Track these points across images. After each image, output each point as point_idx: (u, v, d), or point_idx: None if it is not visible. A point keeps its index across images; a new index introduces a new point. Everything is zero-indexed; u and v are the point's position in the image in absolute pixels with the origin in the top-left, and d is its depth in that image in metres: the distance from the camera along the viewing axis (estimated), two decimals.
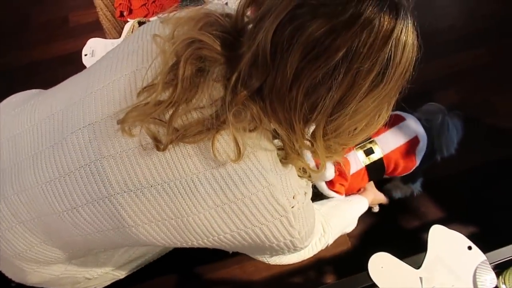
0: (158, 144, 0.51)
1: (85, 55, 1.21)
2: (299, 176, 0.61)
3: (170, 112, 0.51)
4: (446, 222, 0.89)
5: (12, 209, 0.63)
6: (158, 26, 0.60)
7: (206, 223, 0.55)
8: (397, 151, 1.03)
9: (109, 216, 0.57)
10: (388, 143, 1.02)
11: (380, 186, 1.22)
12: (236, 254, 0.66)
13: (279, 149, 0.56)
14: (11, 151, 0.65)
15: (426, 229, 0.76)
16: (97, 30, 1.40)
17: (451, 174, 1.36)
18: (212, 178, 0.52)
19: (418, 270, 0.73)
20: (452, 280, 0.72)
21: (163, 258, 0.98)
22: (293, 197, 0.56)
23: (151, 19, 1.26)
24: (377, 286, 0.73)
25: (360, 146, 1.02)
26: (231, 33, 0.52)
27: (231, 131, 0.49)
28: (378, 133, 1.03)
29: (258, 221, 0.55)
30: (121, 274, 0.90)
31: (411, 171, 1.07)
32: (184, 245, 0.60)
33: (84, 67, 1.16)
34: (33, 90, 0.80)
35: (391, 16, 0.44)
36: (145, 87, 0.52)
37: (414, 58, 0.48)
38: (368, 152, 1.02)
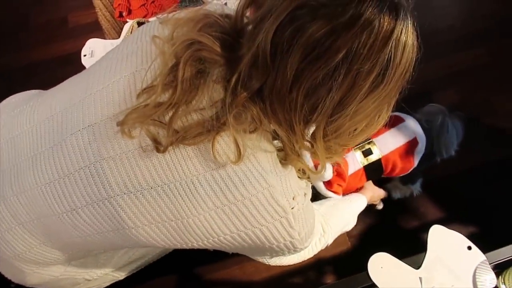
0: (158, 146, 0.51)
1: (84, 55, 1.20)
2: (298, 177, 0.61)
3: (170, 113, 0.50)
4: (445, 222, 0.89)
5: (12, 211, 0.63)
6: (157, 27, 0.60)
7: (206, 224, 0.55)
8: (395, 152, 1.03)
9: (109, 218, 0.57)
10: (386, 144, 1.03)
11: (379, 186, 1.22)
12: (235, 254, 0.66)
13: (278, 150, 0.56)
14: (10, 152, 0.65)
15: (425, 229, 0.76)
16: (96, 31, 1.40)
17: (451, 174, 1.36)
18: (212, 180, 0.52)
19: (418, 270, 0.74)
20: (451, 280, 0.72)
21: (163, 259, 0.98)
22: (293, 198, 0.56)
23: (150, 19, 1.26)
24: (376, 286, 0.73)
25: (358, 147, 1.02)
26: (230, 34, 0.52)
27: (232, 133, 0.49)
28: (377, 134, 1.03)
29: (258, 223, 0.55)
30: (121, 275, 0.90)
31: (409, 171, 1.07)
32: (184, 247, 0.60)
33: (83, 67, 1.16)
34: (33, 91, 0.80)
35: (391, 17, 0.44)
36: (144, 89, 0.52)
37: (414, 59, 0.48)
38: (367, 153, 1.02)
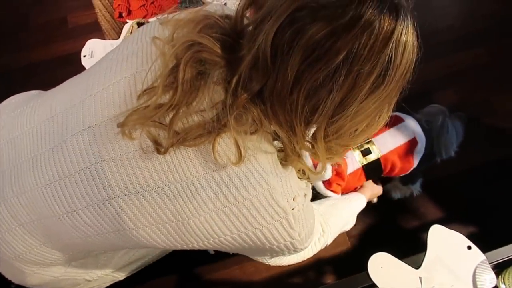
0: (159, 147, 0.51)
1: (84, 56, 1.20)
2: (298, 177, 0.61)
3: (171, 115, 0.50)
4: (445, 222, 0.89)
5: (12, 211, 0.63)
6: (158, 28, 0.60)
7: (207, 225, 0.55)
8: (394, 152, 1.03)
9: (110, 219, 0.57)
10: (385, 144, 1.02)
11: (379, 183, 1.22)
12: (236, 255, 0.66)
13: (279, 150, 0.56)
14: (10, 153, 0.65)
15: (425, 229, 0.76)
16: (96, 31, 1.40)
17: (451, 174, 1.36)
18: (212, 181, 0.52)
19: (418, 270, 0.74)
20: (451, 280, 0.72)
21: (163, 259, 0.98)
22: (293, 199, 0.56)
23: (150, 20, 1.26)
24: (376, 286, 0.73)
25: (357, 147, 1.02)
26: (230, 35, 0.52)
27: (232, 134, 0.49)
28: (376, 133, 1.03)
29: (259, 223, 0.55)
30: (121, 276, 0.90)
31: (408, 172, 1.07)
32: (185, 247, 0.60)
33: (83, 68, 1.16)
34: (33, 92, 0.80)
35: (391, 18, 0.44)
36: (145, 90, 0.52)
37: (415, 59, 0.48)
38: (365, 152, 1.02)
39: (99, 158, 0.55)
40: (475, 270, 0.72)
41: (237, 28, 0.52)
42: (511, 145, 1.42)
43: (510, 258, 0.74)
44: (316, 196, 0.98)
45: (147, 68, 0.56)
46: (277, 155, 0.57)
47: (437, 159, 1.08)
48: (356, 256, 1.26)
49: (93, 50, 1.20)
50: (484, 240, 0.76)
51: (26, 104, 0.69)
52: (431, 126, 1.05)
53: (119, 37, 1.27)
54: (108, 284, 0.89)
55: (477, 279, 0.71)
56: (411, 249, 0.76)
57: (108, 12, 1.32)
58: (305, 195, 0.60)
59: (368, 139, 1.02)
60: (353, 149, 1.02)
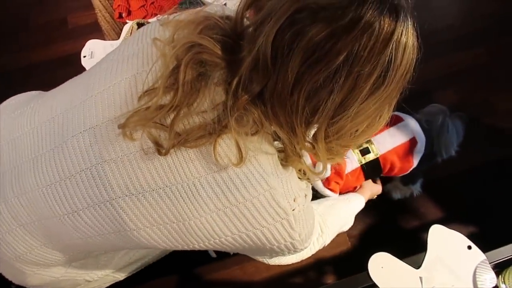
0: (160, 149, 0.51)
1: (84, 56, 1.20)
2: (299, 178, 0.62)
3: (172, 116, 0.50)
4: (445, 221, 0.89)
5: (13, 212, 0.63)
6: (158, 29, 0.60)
7: (208, 226, 0.55)
8: (393, 152, 1.02)
9: (110, 220, 0.57)
10: (384, 143, 1.02)
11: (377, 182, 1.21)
12: (236, 254, 0.67)
13: (279, 151, 0.57)
14: (11, 153, 0.65)
15: (426, 229, 0.76)
16: (96, 32, 1.40)
17: (451, 174, 1.36)
18: (213, 182, 0.52)
19: (418, 270, 0.74)
20: (452, 280, 0.72)
21: (163, 259, 0.98)
22: (294, 200, 0.56)
23: (149, 20, 1.26)
24: (377, 286, 0.73)
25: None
26: (231, 36, 0.52)
27: (233, 135, 0.49)
28: (375, 133, 1.03)
29: (260, 224, 0.55)
30: (121, 276, 0.90)
31: (408, 171, 1.07)
32: (186, 248, 0.60)
33: (83, 68, 1.16)
34: (33, 92, 0.80)
35: (391, 19, 0.44)
36: (146, 91, 0.52)
37: (415, 59, 0.48)
38: (364, 152, 1.02)
39: (100, 159, 0.55)
40: (475, 270, 0.72)
41: (238, 29, 0.52)
42: (511, 145, 1.42)
43: (510, 258, 0.74)
44: (315, 195, 0.98)
45: (147, 69, 0.56)
46: (278, 156, 0.57)
47: (438, 159, 1.07)
48: (357, 256, 1.26)
49: (93, 51, 1.20)
50: (484, 240, 0.76)
51: (26, 104, 0.69)
52: (431, 125, 1.05)
53: (119, 37, 1.27)
54: (108, 285, 0.89)
55: (477, 279, 0.71)
56: (411, 249, 0.76)
57: (108, 13, 1.32)
58: (305, 195, 0.60)
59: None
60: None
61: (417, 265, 0.74)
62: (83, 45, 1.22)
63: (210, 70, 0.51)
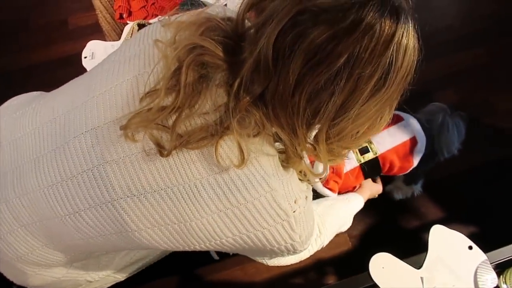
0: (162, 150, 0.51)
1: (85, 57, 1.20)
2: (299, 179, 0.62)
3: (173, 117, 0.51)
4: (446, 222, 0.89)
5: (14, 213, 0.63)
6: (159, 30, 0.60)
7: (209, 227, 0.55)
8: (393, 151, 1.02)
9: (112, 221, 0.57)
10: (384, 143, 1.02)
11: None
12: (236, 255, 0.67)
13: (280, 152, 0.57)
14: (12, 154, 0.65)
15: (426, 229, 0.76)
16: (97, 33, 1.40)
17: (451, 174, 1.36)
18: (215, 183, 0.53)
19: (419, 270, 0.74)
20: (453, 280, 0.72)
21: (163, 260, 0.98)
22: (295, 202, 0.56)
23: (150, 21, 1.26)
24: (378, 286, 0.73)
25: None
26: (232, 38, 0.52)
27: (235, 137, 0.49)
28: None
29: (260, 226, 0.55)
30: (122, 277, 0.90)
31: (408, 171, 1.07)
32: (187, 249, 0.60)
33: (84, 69, 1.16)
34: (34, 93, 0.80)
35: (392, 21, 0.44)
36: (147, 93, 0.52)
37: (415, 61, 0.48)
38: (363, 151, 1.01)
39: (102, 160, 0.55)
40: (476, 270, 0.72)
41: (239, 31, 0.52)
42: (511, 145, 1.42)
43: (511, 258, 0.74)
44: (314, 195, 0.98)
45: (149, 70, 0.56)
46: (279, 157, 0.57)
47: (440, 158, 1.07)
48: (357, 256, 1.26)
49: (94, 52, 1.20)
50: (485, 240, 0.76)
51: (28, 105, 0.69)
52: (431, 124, 1.04)
53: (119, 38, 1.27)
54: (109, 285, 0.89)
55: (478, 279, 0.71)
56: (412, 249, 0.76)
57: (109, 14, 1.32)
58: (306, 197, 0.60)
59: None
60: None
61: (418, 266, 0.74)
62: (84, 46, 1.22)
63: (211, 72, 0.51)
